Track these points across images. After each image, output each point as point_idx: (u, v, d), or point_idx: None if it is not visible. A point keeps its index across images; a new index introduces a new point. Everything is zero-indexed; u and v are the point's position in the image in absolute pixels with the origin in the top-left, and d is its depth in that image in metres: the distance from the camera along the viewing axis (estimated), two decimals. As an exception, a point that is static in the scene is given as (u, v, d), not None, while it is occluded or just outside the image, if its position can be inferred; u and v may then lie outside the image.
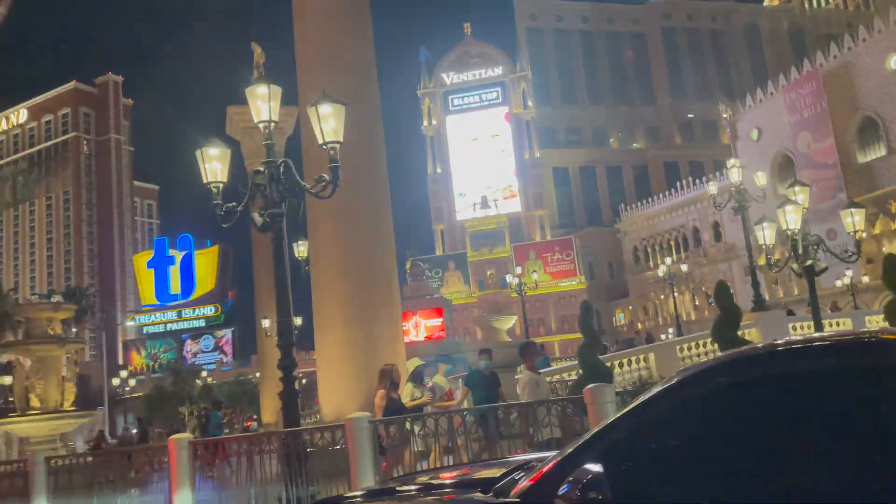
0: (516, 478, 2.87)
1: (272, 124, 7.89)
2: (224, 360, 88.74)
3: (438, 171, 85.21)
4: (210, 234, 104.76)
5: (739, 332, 15.92)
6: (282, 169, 7.78)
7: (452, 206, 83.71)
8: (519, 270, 33.84)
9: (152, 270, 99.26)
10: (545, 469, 2.65)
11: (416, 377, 11.28)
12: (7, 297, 41.44)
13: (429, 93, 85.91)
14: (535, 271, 49.85)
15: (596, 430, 2.69)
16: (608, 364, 16.32)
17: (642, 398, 2.67)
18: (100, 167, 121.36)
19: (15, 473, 11.43)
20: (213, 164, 8.22)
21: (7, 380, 35.37)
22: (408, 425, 8.03)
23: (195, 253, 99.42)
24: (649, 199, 73.54)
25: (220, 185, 8.26)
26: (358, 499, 3.43)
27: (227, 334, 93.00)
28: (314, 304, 15.20)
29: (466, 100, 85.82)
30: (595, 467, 2.47)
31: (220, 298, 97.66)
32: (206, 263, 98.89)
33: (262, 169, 7.82)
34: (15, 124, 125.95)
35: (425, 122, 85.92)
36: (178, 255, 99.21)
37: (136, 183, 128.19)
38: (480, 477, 3.14)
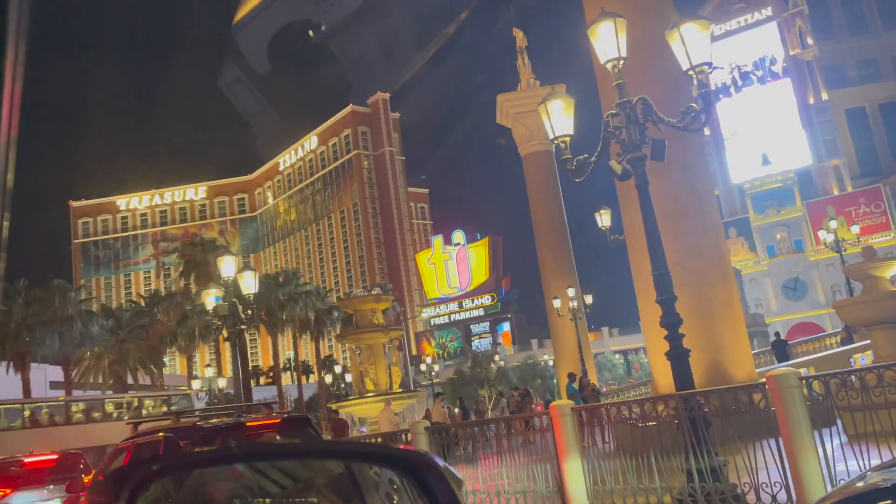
0: None
1: (621, 61, 7.20)
2: (500, 346, 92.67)
3: (706, 132, 79.10)
4: (479, 228, 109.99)
5: None
6: (640, 108, 7.07)
7: (726, 167, 77.09)
8: (834, 225, 29.34)
9: (433, 267, 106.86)
10: None
11: None
12: (326, 298, 47.30)
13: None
14: (854, 223, 43.47)
15: None
16: None
17: None
18: (379, 179, 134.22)
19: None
20: (559, 117, 7.79)
21: (338, 369, 40.65)
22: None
23: (468, 246, 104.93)
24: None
25: (568, 139, 7.81)
26: None
27: (506, 328, 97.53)
28: (633, 271, 14.39)
29: (732, 49, 78.26)
30: None
31: (494, 288, 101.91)
32: (478, 255, 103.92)
33: (616, 111, 7.17)
34: (308, 150, 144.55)
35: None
36: (454, 250, 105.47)
37: (409, 189, 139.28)
38: None
